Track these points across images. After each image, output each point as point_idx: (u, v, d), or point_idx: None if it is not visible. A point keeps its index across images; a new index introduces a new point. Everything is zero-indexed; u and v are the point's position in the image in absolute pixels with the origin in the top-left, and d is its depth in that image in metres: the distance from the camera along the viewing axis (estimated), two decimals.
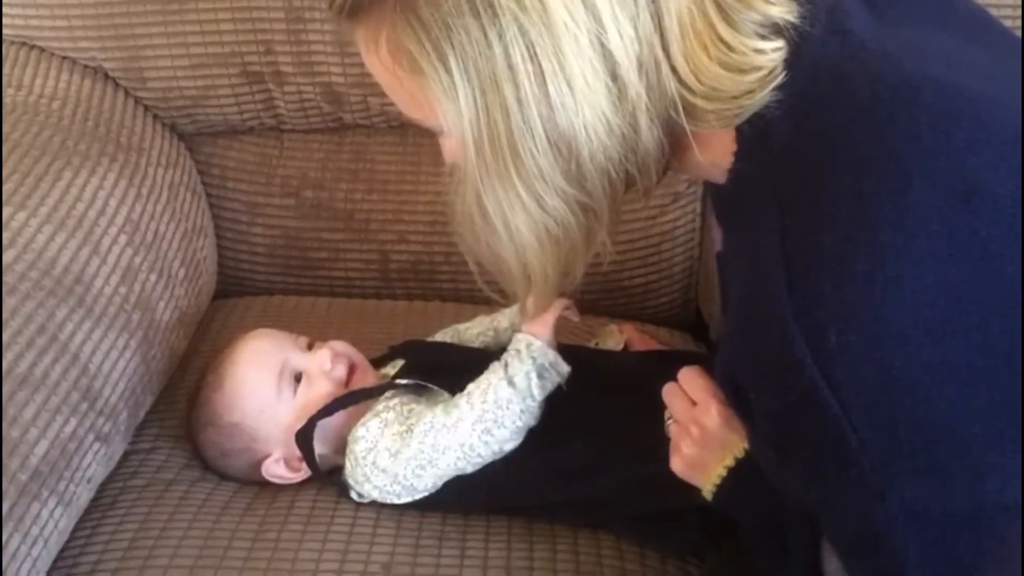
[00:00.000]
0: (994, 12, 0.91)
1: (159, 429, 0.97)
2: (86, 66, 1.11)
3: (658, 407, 0.78)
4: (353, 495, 0.88)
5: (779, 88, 0.57)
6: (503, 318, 0.98)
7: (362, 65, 1.09)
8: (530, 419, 0.84)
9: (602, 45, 0.56)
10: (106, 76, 1.11)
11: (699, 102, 0.58)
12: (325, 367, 0.90)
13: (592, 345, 1.02)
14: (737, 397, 0.62)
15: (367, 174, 1.17)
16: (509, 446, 0.84)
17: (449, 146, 0.62)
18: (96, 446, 0.85)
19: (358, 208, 1.17)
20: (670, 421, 0.76)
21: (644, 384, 0.88)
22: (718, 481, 0.72)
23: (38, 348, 0.81)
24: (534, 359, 0.83)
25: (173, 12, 1.08)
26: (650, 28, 0.56)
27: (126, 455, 0.93)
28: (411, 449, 0.83)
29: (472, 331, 0.99)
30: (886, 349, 0.53)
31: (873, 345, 0.53)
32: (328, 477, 0.90)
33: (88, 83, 1.09)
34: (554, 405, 0.86)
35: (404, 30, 0.57)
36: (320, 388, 0.89)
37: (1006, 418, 0.54)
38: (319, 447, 0.89)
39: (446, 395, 0.87)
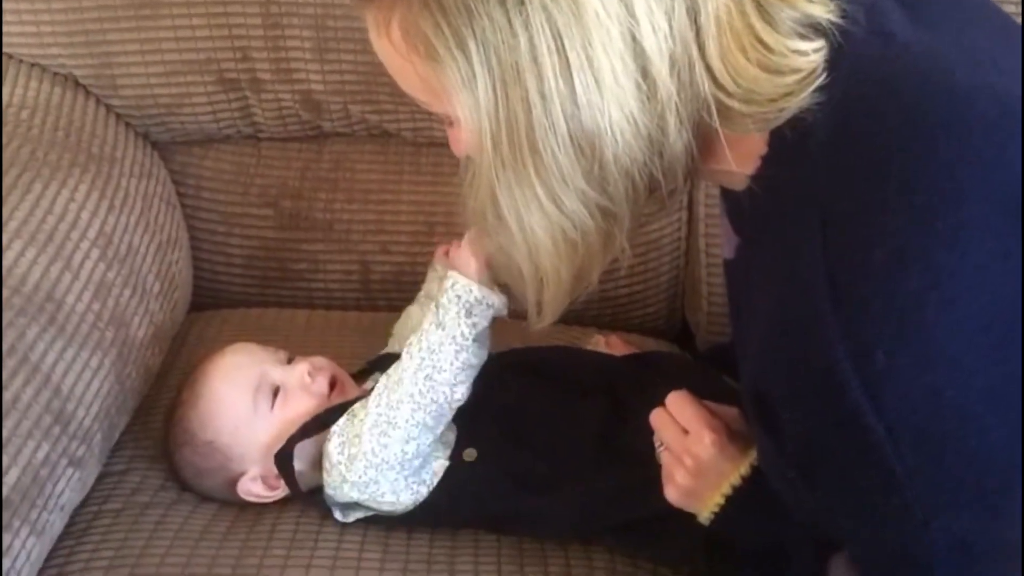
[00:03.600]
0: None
1: (133, 450, 0.94)
2: (56, 73, 1.07)
3: (635, 413, 0.76)
4: (337, 515, 0.85)
5: (820, 90, 0.54)
6: (434, 287, 0.96)
7: (342, 72, 1.09)
8: (470, 358, 0.81)
9: (634, 40, 0.52)
10: (76, 83, 1.08)
11: (735, 104, 0.55)
12: (305, 380, 0.87)
13: None
14: (763, 415, 0.59)
15: (347, 183, 1.14)
16: (460, 390, 0.82)
17: (462, 137, 0.59)
18: (69, 471, 0.81)
19: (338, 218, 1.14)
20: (661, 448, 0.74)
21: (622, 388, 0.87)
22: (716, 509, 0.70)
23: (9, 370, 0.78)
24: (459, 297, 0.81)
25: (146, 18, 1.05)
26: (686, 25, 0.53)
27: (100, 477, 0.89)
28: (370, 416, 0.82)
29: (414, 320, 0.97)
30: (937, 373, 0.50)
31: (924, 369, 0.50)
32: (309, 497, 0.87)
33: (58, 91, 1.05)
34: (524, 410, 0.84)
35: (421, 12, 0.54)
36: (300, 403, 0.87)
37: None
38: (299, 466, 0.86)
39: None
